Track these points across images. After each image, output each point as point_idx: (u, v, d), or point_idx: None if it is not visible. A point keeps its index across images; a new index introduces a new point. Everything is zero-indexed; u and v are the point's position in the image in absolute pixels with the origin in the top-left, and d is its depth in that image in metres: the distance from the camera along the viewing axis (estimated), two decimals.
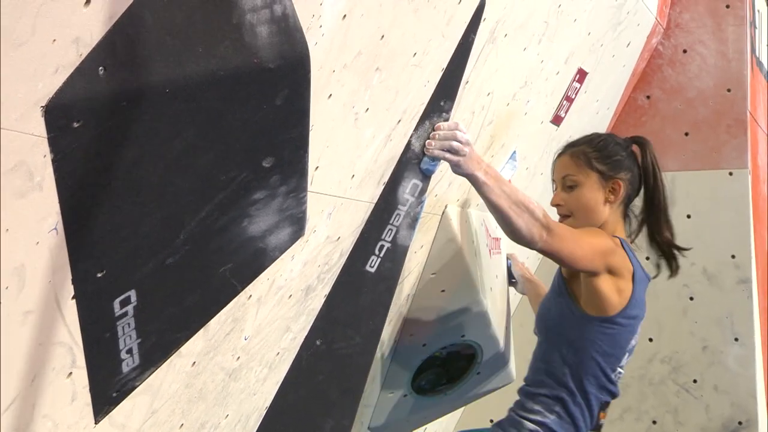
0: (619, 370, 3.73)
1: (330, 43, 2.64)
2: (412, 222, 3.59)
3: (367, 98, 2.98)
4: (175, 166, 2.21)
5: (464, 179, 3.33)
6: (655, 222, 3.78)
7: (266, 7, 2.26)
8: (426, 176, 3.47)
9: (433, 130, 3.34)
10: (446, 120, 3.41)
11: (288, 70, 2.42)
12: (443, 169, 3.56)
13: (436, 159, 3.34)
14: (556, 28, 4.09)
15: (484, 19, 3.44)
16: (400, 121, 3.22)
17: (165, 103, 2.08)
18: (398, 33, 2.97)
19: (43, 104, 1.84)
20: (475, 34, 3.43)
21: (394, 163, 3.32)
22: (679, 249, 3.82)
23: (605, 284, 3.55)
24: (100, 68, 1.91)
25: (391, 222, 3.47)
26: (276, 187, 2.61)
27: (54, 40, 1.81)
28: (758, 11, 5.27)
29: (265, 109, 2.40)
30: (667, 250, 3.81)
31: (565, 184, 3.75)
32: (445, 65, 3.35)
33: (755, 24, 5.21)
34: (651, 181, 3.77)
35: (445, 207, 3.96)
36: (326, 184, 2.96)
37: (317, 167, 2.85)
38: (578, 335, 3.64)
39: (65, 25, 1.82)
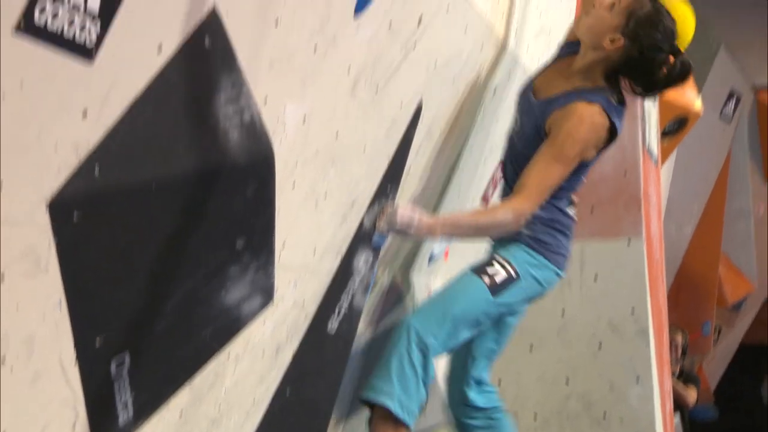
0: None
1: (293, 141, 2.64)
2: (366, 288, 3.56)
3: (326, 186, 2.97)
4: (162, 249, 2.19)
5: (407, 250, 3.31)
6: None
7: (238, 115, 2.25)
8: (376, 249, 3.45)
9: (382, 211, 3.33)
10: (392, 201, 3.41)
11: (256, 167, 2.42)
12: (390, 243, 3.55)
13: (384, 235, 3.31)
14: (483, 125, 4.11)
15: (423, 117, 3.45)
16: (353, 204, 3.21)
17: (153, 196, 2.07)
18: (351, 131, 2.97)
19: (48, 200, 1.82)
20: (414, 129, 3.44)
21: (350, 239, 3.30)
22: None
23: (584, 154, 3.26)
24: (96, 168, 1.89)
25: (347, 289, 3.44)
26: (248, 263, 2.58)
27: (56, 146, 1.79)
28: (647, 109, 5.32)
29: (237, 199, 2.39)
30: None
31: (611, 1, 3.22)
32: (391, 156, 3.35)
33: (645, 119, 5.26)
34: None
35: (394, 274, 3.95)
36: (292, 259, 2.93)
37: (284, 244, 2.83)
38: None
39: (66, 133, 1.81)
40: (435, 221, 3.19)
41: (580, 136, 3.21)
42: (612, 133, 3.25)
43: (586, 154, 3.26)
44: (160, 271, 2.23)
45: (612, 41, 3.20)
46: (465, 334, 3.30)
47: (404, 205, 3.28)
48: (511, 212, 3.16)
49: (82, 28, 1.71)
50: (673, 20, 3.27)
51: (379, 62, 2.94)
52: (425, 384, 3.26)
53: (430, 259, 3.55)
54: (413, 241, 3.36)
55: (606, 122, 3.22)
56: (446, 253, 4.38)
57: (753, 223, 9.58)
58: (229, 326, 2.70)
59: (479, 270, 3.32)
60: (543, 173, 3.22)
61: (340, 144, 2.94)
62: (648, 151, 5.34)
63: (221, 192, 2.32)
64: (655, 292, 5.24)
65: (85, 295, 2.02)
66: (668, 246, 6.04)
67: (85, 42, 1.74)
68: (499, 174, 4.66)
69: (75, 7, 1.68)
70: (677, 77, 3.27)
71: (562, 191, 3.34)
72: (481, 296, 3.28)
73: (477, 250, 3.64)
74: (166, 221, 2.17)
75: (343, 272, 3.35)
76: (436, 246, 4.18)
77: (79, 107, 1.81)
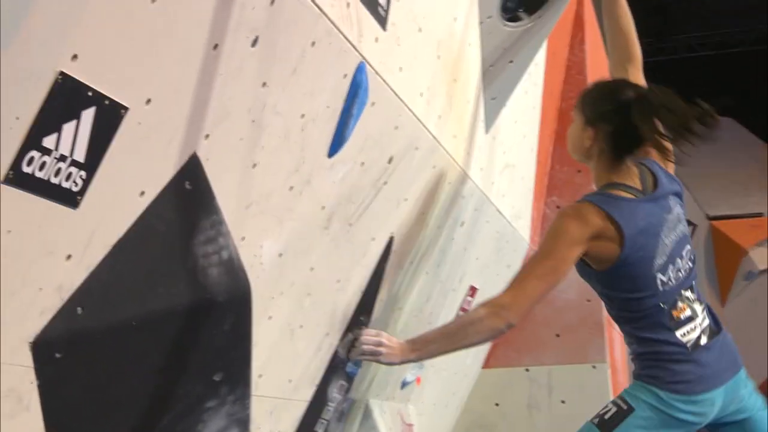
0: (665, 283, 3.08)
1: (269, 276, 2.65)
2: (340, 416, 3.54)
3: (301, 317, 2.98)
4: (141, 385, 2.18)
5: (380, 377, 3.29)
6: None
7: (216, 253, 2.27)
8: (350, 377, 3.44)
9: (355, 340, 3.31)
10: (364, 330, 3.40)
11: (233, 302, 2.43)
12: (363, 371, 3.54)
13: (358, 363, 3.29)
14: (452, 256, 4.15)
15: (393, 251, 3.48)
16: (327, 334, 3.21)
17: (133, 334, 2.07)
18: (325, 265, 2.99)
19: (31, 340, 1.82)
20: (386, 262, 3.46)
21: (324, 368, 3.29)
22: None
23: (594, 250, 2.97)
24: (79, 308, 1.90)
25: (322, 416, 3.41)
26: (225, 396, 2.57)
27: (40, 289, 1.80)
28: None
29: (215, 333, 2.39)
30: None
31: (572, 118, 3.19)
32: (363, 288, 3.37)
33: None
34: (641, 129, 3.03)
35: (368, 401, 3.92)
36: (268, 388, 2.92)
37: (260, 375, 2.82)
38: (603, 288, 3.10)
39: (50, 276, 1.82)
40: (405, 343, 3.14)
41: (561, 228, 3.01)
42: (615, 223, 2.97)
43: (580, 246, 2.99)
44: (140, 407, 2.22)
45: (588, 138, 3.09)
46: None
47: (372, 332, 3.26)
48: (485, 307, 2.96)
49: (68, 176, 1.74)
50: (611, 80, 3.25)
51: (352, 199, 2.98)
52: None
53: (403, 385, 3.53)
54: (387, 366, 3.32)
55: (595, 210, 2.98)
56: (418, 379, 4.37)
57: None
58: None
59: (595, 415, 3.10)
60: (527, 267, 3.06)
61: (315, 277, 2.96)
62: None
63: (200, 328, 2.32)
64: None
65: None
66: None
67: (70, 188, 1.77)
68: (469, 299, 4.68)
69: (62, 158, 1.71)
70: (658, 108, 3.02)
71: (645, 318, 3.07)
72: None
73: (454, 371, 3.63)
74: (146, 358, 2.16)
75: (318, 401, 3.33)
76: (408, 372, 4.17)
77: (64, 251, 1.83)
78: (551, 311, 5.28)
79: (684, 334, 3.12)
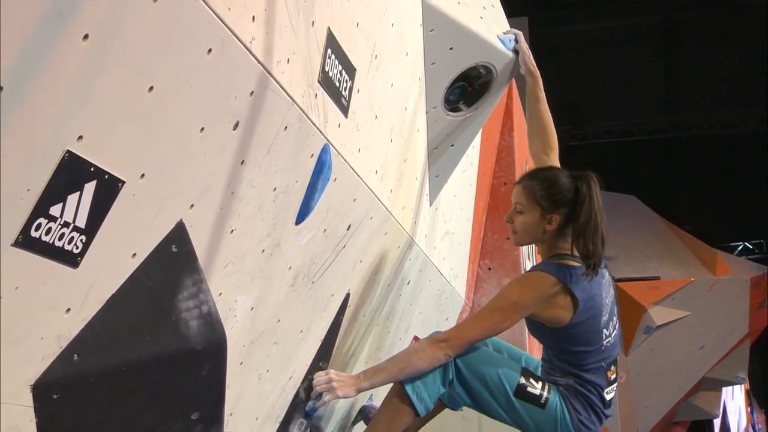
0: (607, 341, 3.12)
1: (242, 326, 2.62)
2: None
3: (268, 363, 2.94)
4: (128, 421, 2.12)
5: (337, 415, 3.24)
6: (576, 237, 3.10)
7: (197, 308, 2.24)
8: (310, 416, 3.38)
9: (312, 383, 3.28)
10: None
11: (210, 350, 2.38)
12: (323, 409, 3.48)
13: (316, 401, 3.24)
14: (399, 310, 4.13)
15: (349, 305, 3.46)
16: (291, 377, 3.17)
17: (122, 378, 2.02)
18: (290, 317, 2.96)
19: (32, 383, 1.77)
20: (343, 315, 3.44)
21: (287, 407, 3.24)
22: (592, 264, 3.06)
23: (545, 314, 3.04)
24: (75, 355, 1.85)
25: None
26: None
27: (42, 338, 1.76)
28: None
29: (194, 377, 2.34)
30: (585, 260, 3.09)
31: (515, 209, 3.21)
32: (322, 337, 3.33)
33: None
34: (579, 208, 3.09)
35: None
36: (238, 425, 2.86)
37: (231, 414, 2.76)
38: (554, 342, 3.15)
39: (51, 327, 1.77)
40: (356, 375, 3.11)
41: (514, 293, 3.07)
42: (571, 294, 3.04)
43: (527, 311, 3.04)
44: None
45: (549, 222, 3.13)
46: (476, 387, 3.13)
47: (322, 373, 3.21)
48: (428, 340, 3.00)
49: (71, 240, 1.71)
50: (549, 171, 3.28)
51: (315, 260, 2.97)
52: (444, 379, 3.07)
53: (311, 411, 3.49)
54: (344, 400, 3.28)
55: (553, 281, 3.03)
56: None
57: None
58: None
59: (528, 373, 3.15)
60: (475, 315, 3.09)
61: (281, 327, 2.93)
62: None
63: (181, 372, 2.28)
64: None
65: None
66: None
67: (72, 251, 1.74)
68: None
69: (65, 224, 1.68)
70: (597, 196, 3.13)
71: (589, 372, 3.12)
72: (504, 384, 3.11)
73: None
74: (133, 398, 2.11)
75: None
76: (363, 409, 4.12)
77: (64, 305, 1.79)
78: None
79: (608, 392, 3.21)
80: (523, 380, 3.12)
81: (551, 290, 3.05)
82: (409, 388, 3.09)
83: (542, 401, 3.11)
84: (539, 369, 3.31)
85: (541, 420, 3.11)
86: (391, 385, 3.22)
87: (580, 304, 3.06)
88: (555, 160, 3.54)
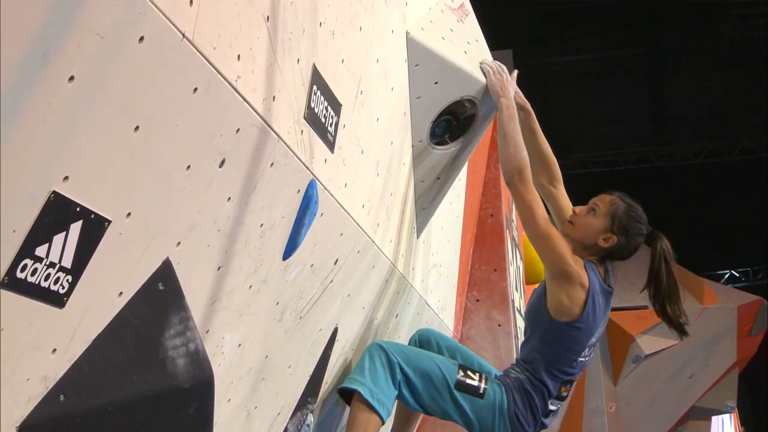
0: (581, 360, 3.33)
1: (230, 363, 2.60)
2: None
3: (256, 399, 2.92)
4: None
5: None
6: (657, 301, 3.36)
7: (184, 345, 2.23)
8: None
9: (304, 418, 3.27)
10: (312, 412, 3.36)
11: (198, 388, 2.37)
12: None
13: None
14: (390, 335, 4.11)
15: (338, 340, 3.45)
16: (279, 413, 3.15)
17: (108, 418, 2.00)
18: (278, 353, 2.95)
19: (18, 425, 1.76)
20: (331, 349, 3.43)
21: None
22: (681, 329, 3.33)
23: (562, 292, 3.20)
24: (61, 396, 1.84)
25: None
26: None
27: (28, 379, 1.75)
28: (519, 327, 5.40)
29: (181, 416, 2.32)
30: (674, 322, 3.36)
31: (591, 207, 3.39)
32: (311, 372, 3.32)
33: (518, 336, 5.32)
34: (656, 269, 3.39)
35: None
36: None
37: None
38: (543, 331, 3.30)
39: (37, 367, 1.76)
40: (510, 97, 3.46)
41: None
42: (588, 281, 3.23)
43: (569, 253, 3.22)
44: None
45: (605, 240, 3.33)
46: (420, 386, 3.30)
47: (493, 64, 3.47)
48: (522, 164, 3.25)
49: (57, 280, 1.71)
50: (638, 205, 3.44)
51: (302, 295, 2.96)
52: (394, 382, 3.24)
53: None
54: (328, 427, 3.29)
55: (581, 262, 3.26)
56: None
57: (606, 421, 9.68)
58: None
59: (464, 368, 3.35)
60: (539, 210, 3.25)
61: (269, 363, 2.91)
62: None
63: (168, 411, 2.26)
64: None
65: None
66: None
67: (58, 291, 1.73)
68: None
69: (51, 264, 1.68)
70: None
71: (553, 378, 3.31)
72: (446, 379, 3.29)
73: None
74: None
75: None
76: None
77: (50, 345, 1.78)
78: None
79: (553, 403, 3.40)
80: (461, 374, 3.32)
81: (582, 270, 3.24)
82: (368, 396, 3.22)
83: (480, 392, 3.30)
84: (479, 366, 3.51)
85: (481, 409, 3.29)
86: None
87: (587, 304, 3.23)
88: (562, 191, 3.64)
